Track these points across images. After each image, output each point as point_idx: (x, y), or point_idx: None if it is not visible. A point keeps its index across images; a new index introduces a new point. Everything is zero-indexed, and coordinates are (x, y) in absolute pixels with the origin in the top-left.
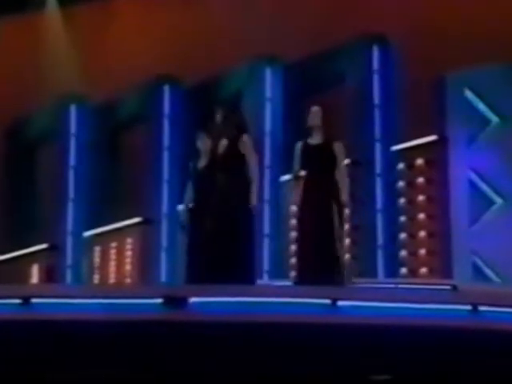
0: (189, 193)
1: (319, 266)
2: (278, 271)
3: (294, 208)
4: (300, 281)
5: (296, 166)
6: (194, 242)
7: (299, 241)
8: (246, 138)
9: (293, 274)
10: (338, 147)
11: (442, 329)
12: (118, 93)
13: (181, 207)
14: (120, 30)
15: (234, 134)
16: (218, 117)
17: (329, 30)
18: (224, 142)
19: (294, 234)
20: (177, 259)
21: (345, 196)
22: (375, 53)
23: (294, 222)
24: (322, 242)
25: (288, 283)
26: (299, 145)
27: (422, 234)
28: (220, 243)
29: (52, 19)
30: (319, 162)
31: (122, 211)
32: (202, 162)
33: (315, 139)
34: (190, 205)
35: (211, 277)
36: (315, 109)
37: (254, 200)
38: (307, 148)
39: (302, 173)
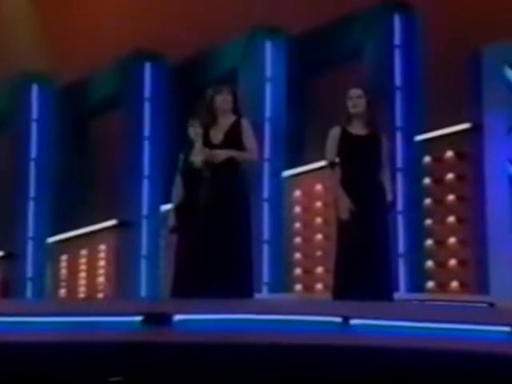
0: (178, 190)
1: (369, 281)
2: (280, 284)
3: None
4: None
5: (331, 153)
6: (180, 249)
7: (343, 248)
8: (245, 122)
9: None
10: (385, 140)
11: (476, 353)
12: (89, 71)
13: (166, 207)
14: None
15: (232, 120)
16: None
17: None
18: (219, 130)
19: (298, 240)
20: (159, 269)
21: (389, 196)
22: (396, 23)
23: (298, 225)
24: (374, 253)
25: (290, 297)
26: (337, 132)
27: (453, 240)
28: (212, 250)
29: None
30: (365, 157)
31: (93, 212)
32: (195, 154)
33: (358, 129)
34: (179, 204)
35: (200, 290)
36: (358, 92)
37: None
38: (348, 138)
39: (337, 160)
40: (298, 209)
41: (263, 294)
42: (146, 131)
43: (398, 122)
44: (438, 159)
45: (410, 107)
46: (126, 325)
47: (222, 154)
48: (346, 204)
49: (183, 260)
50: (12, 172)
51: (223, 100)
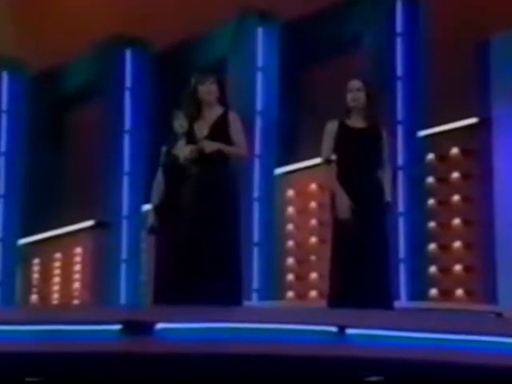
0: (159, 186)
1: (367, 288)
2: (271, 290)
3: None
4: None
5: (328, 149)
6: (163, 252)
7: (339, 252)
8: (232, 115)
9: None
10: (386, 135)
11: (483, 366)
12: (65, 58)
13: (148, 207)
14: None
15: (218, 113)
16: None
17: None
18: (204, 124)
19: (290, 243)
20: (140, 274)
21: (389, 196)
22: (399, 9)
23: (290, 227)
24: (372, 257)
25: (282, 305)
26: (334, 126)
27: (458, 244)
28: (198, 253)
29: None
30: (363, 153)
31: (68, 212)
32: (179, 149)
33: (357, 122)
34: (160, 202)
35: (184, 296)
36: (357, 85)
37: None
38: (346, 132)
39: (333, 156)
40: (290, 209)
41: (253, 302)
42: (127, 124)
43: (400, 115)
44: (443, 157)
45: (412, 100)
46: (104, 334)
47: (211, 146)
48: (345, 202)
49: (165, 263)
50: None
51: (207, 90)
